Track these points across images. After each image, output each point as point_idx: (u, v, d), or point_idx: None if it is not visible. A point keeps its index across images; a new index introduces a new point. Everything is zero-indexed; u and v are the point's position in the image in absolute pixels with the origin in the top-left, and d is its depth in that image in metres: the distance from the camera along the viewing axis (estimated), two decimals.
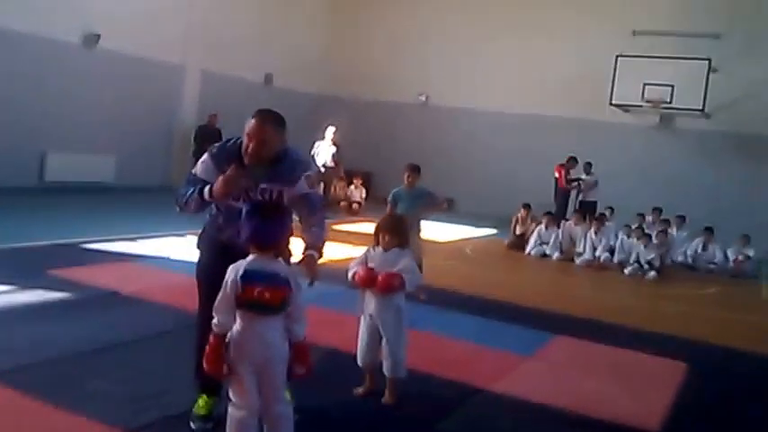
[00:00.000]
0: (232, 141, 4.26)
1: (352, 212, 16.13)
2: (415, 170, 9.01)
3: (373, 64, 22.09)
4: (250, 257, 3.69)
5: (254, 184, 4.20)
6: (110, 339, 5.77)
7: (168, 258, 9.31)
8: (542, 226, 14.23)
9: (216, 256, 4.17)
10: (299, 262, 4.09)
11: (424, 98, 21.85)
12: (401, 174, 9.08)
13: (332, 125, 16.17)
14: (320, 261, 4.21)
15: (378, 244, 5.15)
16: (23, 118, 14.25)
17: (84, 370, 5.06)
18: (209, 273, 4.10)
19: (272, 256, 3.73)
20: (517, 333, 7.66)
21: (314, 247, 4.19)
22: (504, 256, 13.83)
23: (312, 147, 16.02)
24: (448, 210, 20.07)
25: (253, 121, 4.14)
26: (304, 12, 21.96)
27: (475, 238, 16.10)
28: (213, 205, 4.28)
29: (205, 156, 4.27)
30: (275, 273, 3.68)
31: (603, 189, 16.64)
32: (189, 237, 10.48)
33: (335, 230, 11.07)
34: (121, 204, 14.03)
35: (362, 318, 5.17)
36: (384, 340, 5.08)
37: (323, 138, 16.08)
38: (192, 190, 4.15)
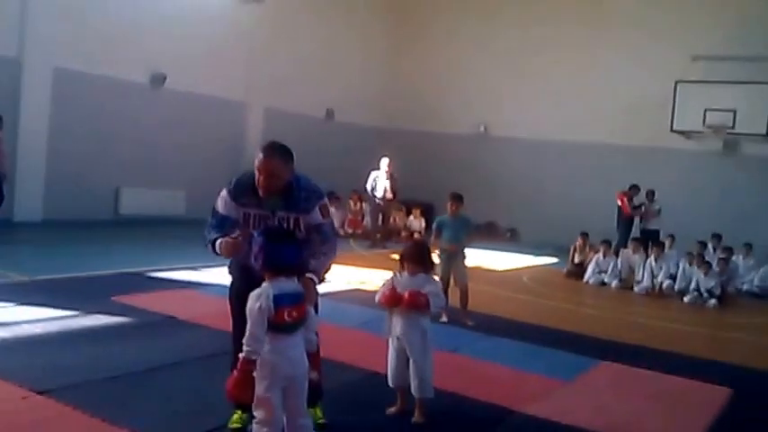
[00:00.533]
0: (246, 175, 4.54)
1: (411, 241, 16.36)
2: (458, 199, 9.26)
3: (432, 96, 22.40)
4: (272, 282, 3.98)
5: (270, 214, 4.48)
6: (161, 360, 6.14)
7: (225, 286, 9.66)
8: (600, 254, 14.25)
9: (246, 281, 4.46)
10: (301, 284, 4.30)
11: (482, 128, 22.04)
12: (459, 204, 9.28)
13: (386, 156, 16.49)
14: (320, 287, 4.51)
15: (404, 269, 5.40)
16: (99, 155, 15.02)
17: (134, 388, 5.42)
18: (241, 296, 4.37)
19: (288, 276, 4.03)
20: (561, 359, 7.74)
21: (315, 272, 4.44)
22: (561, 285, 13.86)
23: (368, 177, 16.44)
24: (504, 238, 20.28)
25: (261, 155, 4.42)
26: (363, 47, 22.45)
27: (534, 266, 16.17)
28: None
29: (223, 192, 4.58)
30: (296, 292, 4.00)
31: (665, 217, 16.55)
32: None
33: (393, 259, 11.27)
34: (189, 236, 14.29)
35: (390, 340, 5.40)
36: (411, 361, 5.29)
37: (377, 168, 16.41)
38: (213, 238, 4.47)
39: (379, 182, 16.30)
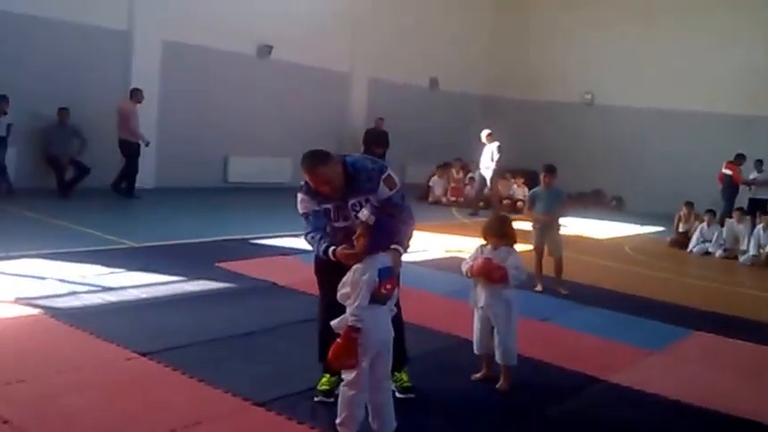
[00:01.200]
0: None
1: (515, 210, 16.32)
2: (550, 171, 9.27)
3: (538, 64, 22.11)
4: (374, 257, 4.24)
5: (344, 203, 4.69)
6: (259, 325, 6.46)
7: None
8: (704, 223, 14.01)
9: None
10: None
11: (589, 97, 21.70)
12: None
13: (487, 127, 16.53)
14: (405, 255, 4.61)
15: (487, 243, 5.53)
16: (208, 124, 15.57)
17: (231, 351, 5.74)
18: (328, 269, 4.67)
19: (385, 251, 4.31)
20: (653, 328, 7.74)
21: (400, 243, 4.57)
22: (664, 254, 13.66)
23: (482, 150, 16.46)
24: (610, 207, 20.00)
25: (306, 172, 4.61)
26: (467, 15, 22.30)
27: (638, 235, 15.97)
28: None
29: (300, 195, 4.78)
30: (390, 266, 4.27)
31: None
32: None
33: None
34: (293, 204, 14.75)
35: (475, 309, 5.55)
36: (495, 330, 5.44)
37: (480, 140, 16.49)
38: (319, 241, 4.69)
39: (483, 152, 16.36)
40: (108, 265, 8.12)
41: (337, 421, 4.27)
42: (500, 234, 5.53)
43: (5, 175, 12.50)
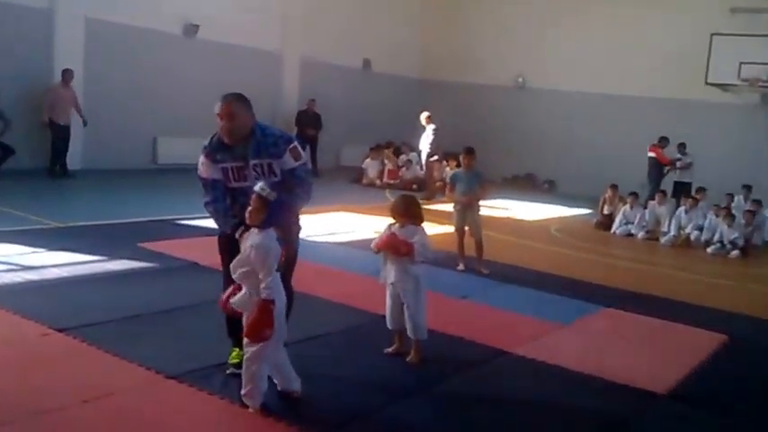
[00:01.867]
0: (216, 135, 4.81)
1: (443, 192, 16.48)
2: (470, 152, 9.53)
3: (471, 47, 22.31)
4: (270, 230, 4.43)
5: (245, 163, 4.76)
6: (179, 303, 6.59)
7: None
8: (627, 206, 14.41)
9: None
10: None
11: (521, 80, 22.01)
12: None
13: (425, 110, 16.65)
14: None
15: (395, 222, 5.73)
16: (135, 105, 15.43)
17: (149, 328, 5.88)
18: (230, 250, 4.75)
19: None
20: (565, 305, 8.03)
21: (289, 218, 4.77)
22: (588, 236, 14.00)
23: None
24: (542, 190, 20.37)
25: (219, 103, 4.71)
26: None
27: (565, 217, 16.33)
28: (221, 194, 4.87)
29: (201, 158, 4.85)
30: (280, 238, 4.52)
31: (700, 169, 16.55)
32: None
33: (433, 211, 11.50)
34: None
35: (387, 286, 5.76)
36: (405, 306, 5.66)
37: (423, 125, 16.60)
38: (224, 215, 4.82)
39: (422, 136, 16.54)
40: (30, 245, 8.17)
41: (243, 392, 4.46)
42: (407, 213, 5.72)
43: None
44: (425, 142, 16.56)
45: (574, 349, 6.51)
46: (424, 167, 16.94)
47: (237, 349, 5.04)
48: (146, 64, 15.68)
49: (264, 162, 4.79)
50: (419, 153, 17.14)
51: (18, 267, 7.30)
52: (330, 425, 4.42)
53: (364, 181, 18.33)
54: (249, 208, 4.38)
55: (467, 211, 9.41)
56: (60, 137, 13.88)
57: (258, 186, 4.41)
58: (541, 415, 5.01)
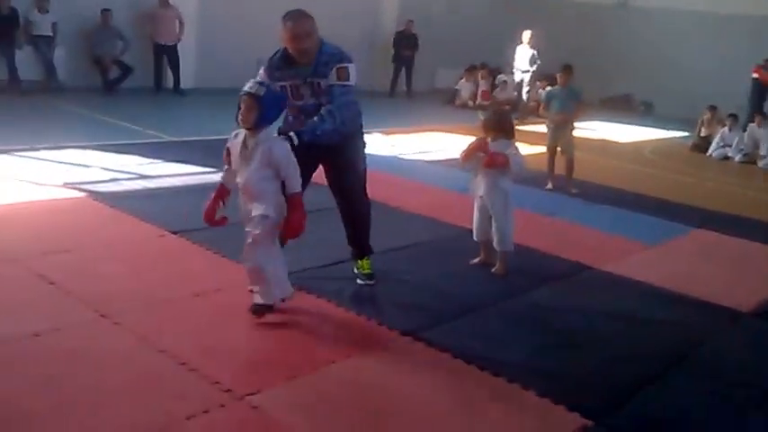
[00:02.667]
0: (278, 52, 4.87)
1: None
2: (567, 70, 9.51)
3: None
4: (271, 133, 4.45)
5: (303, 81, 4.79)
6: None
7: None
8: (726, 128, 14.19)
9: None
10: None
11: None
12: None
13: (529, 29, 16.31)
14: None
15: (487, 136, 5.94)
16: (242, 27, 15.69)
17: None
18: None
19: None
20: (656, 225, 8.17)
21: (299, 134, 4.58)
22: (683, 158, 13.92)
23: (513, 52, 16.35)
24: (639, 112, 20.01)
25: (289, 23, 4.67)
26: None
27: (661, 139, 16.19)
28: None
29: (261, 71, 4.86)
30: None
31: None
32: (375, 134, 11.68)
33: (524, 131, 11.57)
34: None
35: (475, 199, 6.04)
36: (493, 218, 5.93)
37: (520, 42, 16.27)
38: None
39: (519, 54, 16.24)
40: (147, 156, 8.80)
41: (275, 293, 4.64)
42: (498, 127, 5.89)
43: (55, 73, 13.11)
44: (525, 62, 16.26)
45: (660, 267, 6.62)
46: (524, 87, 16.77)
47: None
48: None
49: (316, 80, 4.79)
50: (513, 72, 16.91)
51: (136, 176, 7.94)
52: (416, 328, 4.68)
53: (457, 102, 18.37)
54: (241, 111, 4.29)
55: (560, 129, 9.43)
56: (163, 56, 14.48)
57: (247, 85, 4.30)
58: (622, 326, 5.19)
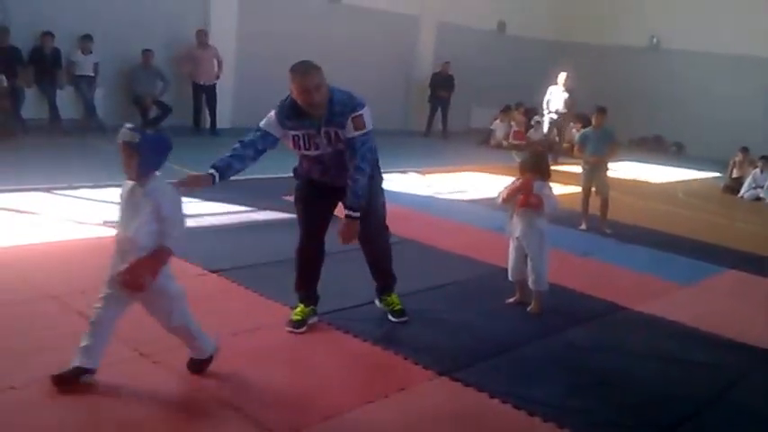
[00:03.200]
0: (288, 99, 4.79)
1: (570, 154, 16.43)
2: (602, 112, 9.55)
3: (604, 7, 21.99)
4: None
5: (317, 131, 4.73)
6: None
7: (387, 191, 10.59)
8: (758, 170, 14.18)
9: (308, 188, 5.15)
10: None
11: (655, 41, 21.59)
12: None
13: (564, 71, 16.29)
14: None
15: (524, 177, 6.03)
16: (280, 68, 15.83)
17: (291, 272, 6.37)
18: (306, 199, 5.17)
19: None
20: (689, 265, 8.19)
21: (351, 207, 4.78)
22: (714, 199, 13.94)
23: (545, 93, 16.33)
24: (670, 153, 19.96)
25: (297, 77, 4.58)
26: None
27: (693, 180, 16.21)
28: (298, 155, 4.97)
29: (272, 112, 4.83)
30: None
31: None
32: (410, 174, 11.83)
33: (559, 172, 11.65)
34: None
35: (511, 239, 6.12)
36: (528, 258, 6.00)
37: (555, 83, 16.24)
38: (230, 152, 4.93)
39: (554, 96, 16.18)
40: (186, 195, 8.88)
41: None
42: (535, 168, 6.00)
43: (95, 113, 13.40)
44: (560, 103, 16.19)
45: (694, 308, 6.64)
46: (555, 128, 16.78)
47: (302, 305, 5.26)
48: (293, 27, 16.17)
49: (332, 130, 4.74)
50: (546, 113, 16.75)
51: None
52: (451, 367, 4.73)
53: (492, 142, 18.51)
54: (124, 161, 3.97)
55: (595, 170, 9.50)
56: (202, 95, 14.75)
57: (121, 132, 4.00)
58: (656, 366, 5.21)
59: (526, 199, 5.84)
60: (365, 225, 4.98)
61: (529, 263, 6.01)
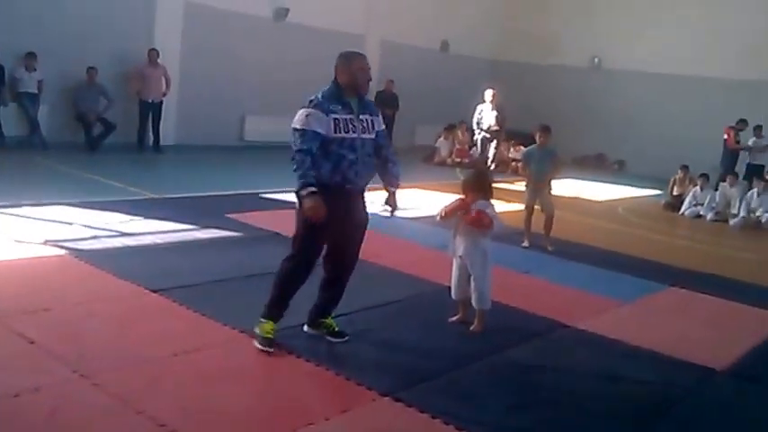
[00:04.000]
0: (328, 88, 5.19)
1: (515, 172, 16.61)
2: (546, 130, 9.59)
3: (547, 27, 22.22)
4: None
5: (356, 117, 5.13)
6: (261, 269, 6.83)
7: None
8: (698, 187, 14.45)
9: (330, 201, 5.01)
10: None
11: (596, 61, 21.89)
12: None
13: (490, 88, 16.14)
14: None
15: (466, 197, 6.05)
16: (225, 85, 16.07)
17: (233, 290, 6.40)
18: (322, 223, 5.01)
19: None
20: (630, 283, 8.26)
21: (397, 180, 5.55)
22: (656, 216, 14.15)
23: (474, 111, 16.24)
24: (612, 170, 20.27)
25: (359, 57, 5.24)
26: None
27: (634, 197, 16.44)
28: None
29: (309, 110, 4.98)
30: None
31: None
32: None
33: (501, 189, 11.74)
34: None
35: (454, 259, 6.14)
36: (472, 277, 6.03)
37: (483, 101, 16.10)
38: (308, 169, 4.94)
39: (485, 114, 16.08)
40: (128, 214, 8.83)
41: None
42: (478, 187, 6.02)
43: (38, 130, 13.17)
44: (488, 121, 15.98)
45: (635, 325, 6.72)
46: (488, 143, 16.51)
47: (273, 323, 5.25)
48: (237, 45, 16.21)
49: (367, 118, 5.22)
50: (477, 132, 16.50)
51: (118, 234, 7.96)
52: (394, 387, 4.71)
53: (436, 159, 18.61)
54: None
55: (538, 189, 9.55)
56: (148, 113, 14.60)
57: None
58: (599, 385, 5.26)
59: (479, 216, 5.85)
60: (362, 233, 5.38)
61: (472, 282, 6.03)
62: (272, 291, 5.29)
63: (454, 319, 6.25)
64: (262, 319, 5.23)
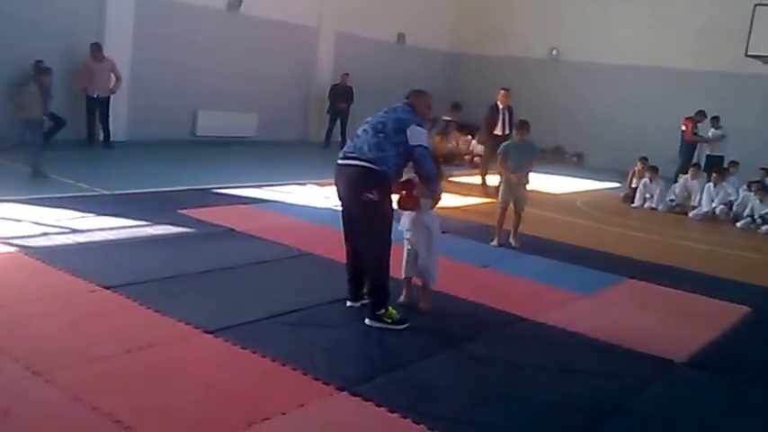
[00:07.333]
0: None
1: (473, 165, 16.63)
2: (524, 125, 9.53)
3: (504, 20, 22.32)
4: None
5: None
6: (216, 265, 6.95)
7: (286, 203, 10.60)
8: (647, 179, 14.51)
9: None
10: None
11: (555, 53, 21.98)
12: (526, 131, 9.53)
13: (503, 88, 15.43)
14: None
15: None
16: (177, 79, 15.83)
17: (187, 286, 6.26)
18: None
19: None
20: (589, 276, 8.24)
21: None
22: (614, 209, 14.20)
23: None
24: (571, 163, 20.38)
25: (427, 101, 6.54)
26: None
27: (592, 190, 16.51)
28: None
29: (424, 131, 6.04)
30: None
31: (735, 143, 16.46)
32: (309, 186, 11.74)
33: (452, 182, 11.78)
34: (259, 157, 15.59)
35: (404, 235, 6.20)
36: (418, 253, 6.09)
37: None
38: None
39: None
40: (79, 210, 8.63)
41: None
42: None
43: None
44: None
45: (594, 318, 6.70)
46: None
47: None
48: (190, 38, 15.99)
49: None
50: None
51: (68, 230, 7.76)
52: (351, 382, 4.65)
53: None
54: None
55: (515, 185, 9.29)
56: (96, 109, 14.32)
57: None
58: (558, 378, 5.22)
59: (403, 200, 6.00)
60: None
61: (419, 259, 6.10)
62: (382, 282, 5.79)
63: (402, 299, 6.27)
64: (382, 311, 5.74)
